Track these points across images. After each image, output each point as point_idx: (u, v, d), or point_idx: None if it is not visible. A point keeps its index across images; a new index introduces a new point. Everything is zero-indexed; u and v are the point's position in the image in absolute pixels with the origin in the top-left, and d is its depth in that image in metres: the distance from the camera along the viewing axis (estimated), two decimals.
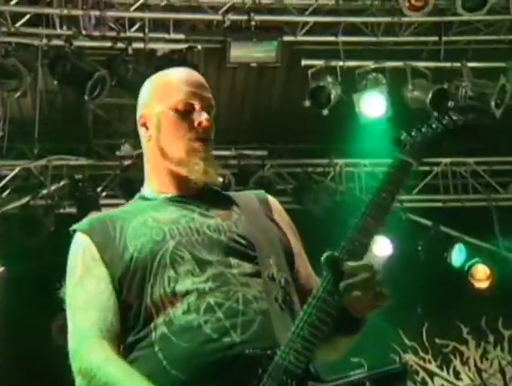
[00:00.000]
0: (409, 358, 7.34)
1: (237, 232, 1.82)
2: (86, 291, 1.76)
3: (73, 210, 6.37)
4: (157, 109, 1.91)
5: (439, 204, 7.20)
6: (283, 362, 1.55)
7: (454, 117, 1.83)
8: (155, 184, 1.94)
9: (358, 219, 1.71)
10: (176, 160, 1.87)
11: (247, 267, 1.75)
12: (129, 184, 6.19)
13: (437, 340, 7.39)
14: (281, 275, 1.76)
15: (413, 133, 1.84)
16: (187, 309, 1.67)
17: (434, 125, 1.84)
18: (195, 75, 1.94)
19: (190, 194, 1.89)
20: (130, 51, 5.74)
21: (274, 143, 7.08)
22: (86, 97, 5.53)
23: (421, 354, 7.39)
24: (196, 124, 1.86)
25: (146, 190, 1.96)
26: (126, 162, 6.47)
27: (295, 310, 1.74)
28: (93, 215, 1.92)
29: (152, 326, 1.69)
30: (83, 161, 6.61)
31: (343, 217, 6.64)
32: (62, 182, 6.55)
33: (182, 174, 1.88)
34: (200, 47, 5.67)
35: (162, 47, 5.74)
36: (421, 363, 7.38)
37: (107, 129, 6.55)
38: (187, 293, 1.69)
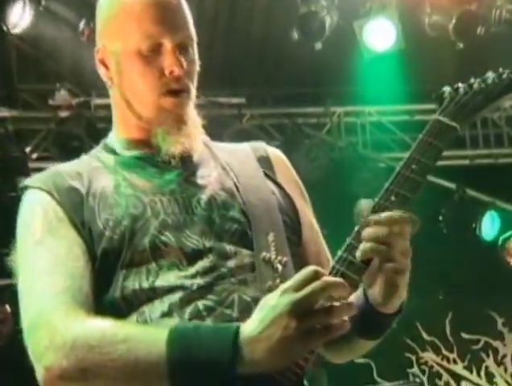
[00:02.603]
0: (429, 357, 7.45)
1: (233, 205, 1.84)
2: (53, 253, 1.73)
3: None
4: (114, 47, 1.85)
5: (466, 162, 7.25)
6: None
7: None
8: (125, 135, 1.92)
9: (378, 198, 1.68)
10: (145, 119, 1.86)
11: (245, 255, 1.78)
12: (67, 142, 6.15)
13: (464, 335, 7.50)
14: (280, 259, 1.77)
15: (461, 89, 1.84)
16: (167, 311, 1.69)
17: (490, 81, 1.83)
18: None
19: None
20: None
21: (254, 87, 7.05)
22: (5, 26, 5.45)
23: (444, 352, 7.50)
24: (166, 72, 1.81)
25: (115, 141, 1.94)
26: (63, 114, 6.39)
27: None
28: (52, 169, 1.88)
29: None
30: (5, 112, 6.53)
31: (342, 180, 6.69)
32: None
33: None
34: None
35: None
36: (444, 363, 7.49)
37: (36, 70, 6.48)
38: (170, 290, 1.71)
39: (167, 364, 1.55)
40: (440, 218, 6.94)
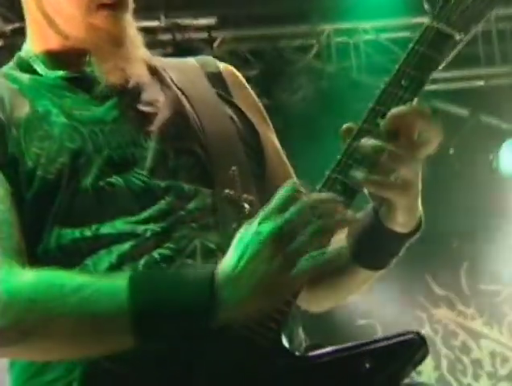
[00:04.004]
0: (442, 314, 7.54)
1: (187, 135, 1.82)
2: None
3: None
4: None
5: (480, 83, 7.23)
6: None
7: None
8: (45, 49, 1.86)
9: (362, 121, 1.68)
10: (73, 39, 1.82)
11: (206, 194, 1.77)
12: None
13: (482, 286, 7.59)
14: (245, 197, 1.78)
15: None
16: (116, 262, 1.68)
17: None
18: None
19: None
20: None
21: (227, 6, 6.99)
22: None
23: (459, 307, 7.59)
24: None
25: (32, 56, 1.87)
26: None
27: None
28: None
29: None
30: None
31: (333, 113, 6.67)
32: None
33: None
34: None
35: None
36: (460, 320, 7.58)
37: None
38: (118, 238, 1.70)
39: (130, 316, 1.53)
40: (451, 151, 6.95)
